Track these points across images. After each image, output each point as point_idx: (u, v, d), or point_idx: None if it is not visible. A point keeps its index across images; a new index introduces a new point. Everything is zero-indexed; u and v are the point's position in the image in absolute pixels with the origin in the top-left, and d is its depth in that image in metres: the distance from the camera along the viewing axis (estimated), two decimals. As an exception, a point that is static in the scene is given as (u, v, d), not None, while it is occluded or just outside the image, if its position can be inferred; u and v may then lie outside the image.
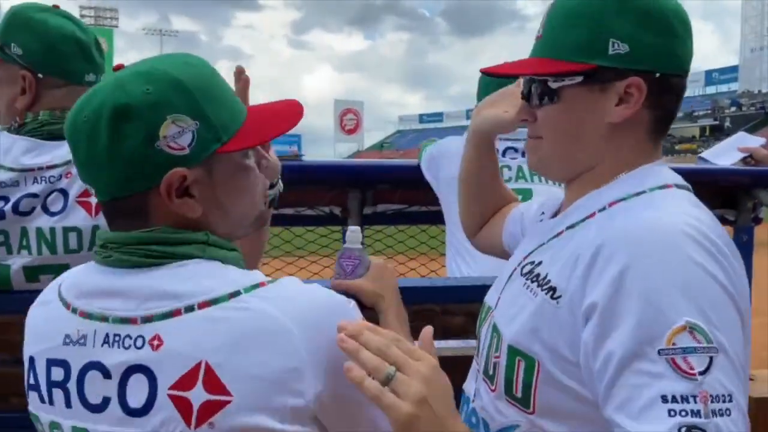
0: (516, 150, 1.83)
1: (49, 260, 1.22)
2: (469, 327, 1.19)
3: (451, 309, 1.34)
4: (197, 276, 0.74)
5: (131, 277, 0.74)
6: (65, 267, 0.99)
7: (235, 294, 0.72)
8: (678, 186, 0.83)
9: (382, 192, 2.12)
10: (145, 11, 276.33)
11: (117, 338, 0.72)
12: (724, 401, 0.65)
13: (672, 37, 0.82)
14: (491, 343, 0.88)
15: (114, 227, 0.79)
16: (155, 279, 0.74)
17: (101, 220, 1.15)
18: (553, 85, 0.84)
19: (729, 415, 0.65)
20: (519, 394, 0.81)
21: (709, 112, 49.39)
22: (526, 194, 1.75)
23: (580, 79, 0.82)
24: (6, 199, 1.23)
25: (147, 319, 0.72)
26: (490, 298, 0.96)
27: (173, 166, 0.74)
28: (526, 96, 0.89)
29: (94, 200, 1.21)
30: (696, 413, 0.64)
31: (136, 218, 0.77)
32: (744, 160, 2.12)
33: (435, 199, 2.00)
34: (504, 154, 1.85)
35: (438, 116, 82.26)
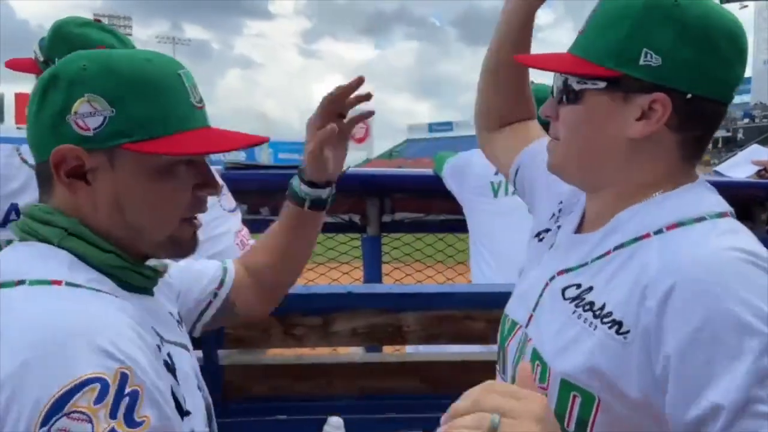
0: None
1: None
2: (489, 333, 1.17)
3: (473, 315, 1.36)
4: (16, 257, 0.77)
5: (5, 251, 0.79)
6: None
7: (22, 282, 0.72)
8: (732, 214, 0.79)
9: (400, 200, 2.18)
10: (158, 19, 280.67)
11: None
12: None
13: (715, 59, 0.76)
14: (532, 369, 0.79)
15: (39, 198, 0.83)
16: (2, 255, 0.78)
17: None
18: (576, 86, 0.80)
19: None
20: (571, 429, 0.77)
21: (722, 123, 50.21)
22: None
23: (603, 84, 0.78)
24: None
25: None
26: (516, 313, 0.91)
27: (73, 143, 0.76)
28: (553, 91, 0.85)
29: None
30: None
31: (43, 189, 0.81)
32: (758, 173, 2.17)
33: (452, 209, 2.06)
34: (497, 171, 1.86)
35: (448, 125, 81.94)
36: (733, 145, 41.65)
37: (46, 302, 0.70)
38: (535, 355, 0.82)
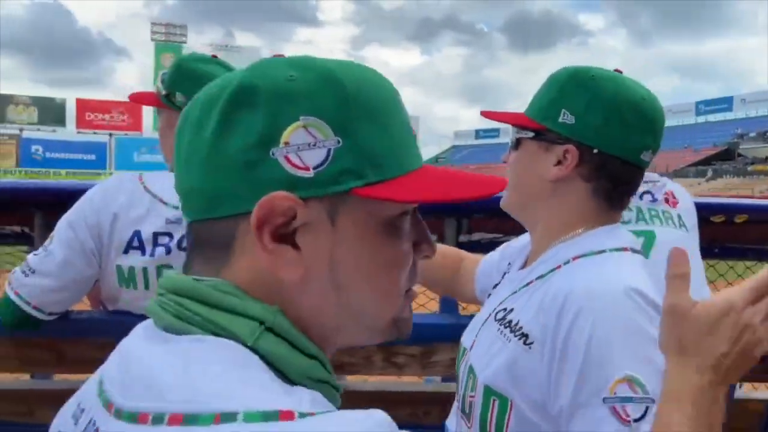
0: (651, 193, 1.75)
1: None
2: None
3: None
4: (202, 366, 0.44)
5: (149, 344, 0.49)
6: None
7: (228, 418, 0.40)
8: (633, 250, 0.93)
9: (478, 220, 2.09)
10: (210, 27, 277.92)
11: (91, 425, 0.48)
12: None
13: (619, 126, 0.92)
14: (467, 384, 0.96)
15: (186, 267, 0.53)
16: (155, 355, 0.47)
17: None
18: (516, 135, 1.00)
19: None
20: None
21: None
22: (649, 236, 1.70)
23: (531, 134, 0.97)
24: (171, 236, 1.28)
25: (118, 414, 0.45)
26: (466, 340, 1.05)
27: (283, 189, 0.48)
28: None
29: None
30: None
31: (208, 255, 0.51)
32: None
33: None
34: (641, 197, 1.75)
35: (495, 132, 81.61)
36: None
37: None
38: (470, 370, 0.96)
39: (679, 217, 1.74)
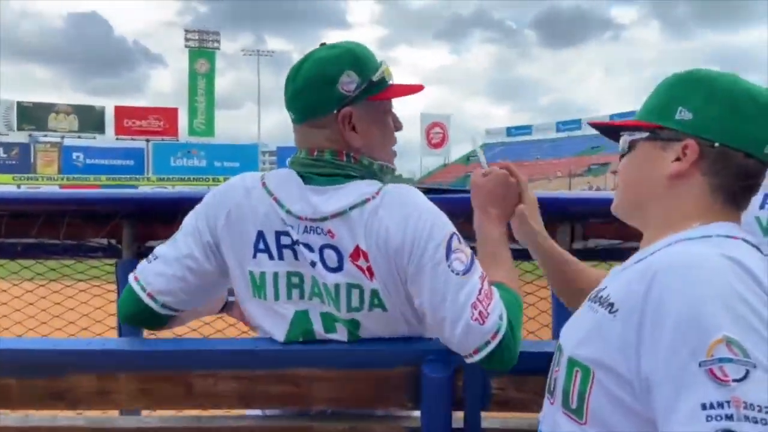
0: None
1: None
2: None
3: None
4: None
5: None
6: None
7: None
8: (747, 241, 0.88)
9: (593, 225, 1.99)
10: (242, 33, 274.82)
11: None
12: (759, 411, 0.69)
13: (739, 117, 0.91)
14: (554, 361, 0.96)
15: None
16: None
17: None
18: (628, 138, 0.99)
19: (764, 424, 0.68)
20: (574, 405, 0.87)
21: None
22: None
23: (645, 134, 0.97)
24: (290, 238, 1.18)
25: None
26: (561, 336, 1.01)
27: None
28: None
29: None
30: (729, 417, 0.69)
31: None
32: None
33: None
34: (762, 206, 1.56)
35: (527, 129, 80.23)
36: None
37: None
38: (558, 348, 0.95)
39: None
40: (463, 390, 1.15)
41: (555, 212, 1.97)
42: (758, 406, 0.69)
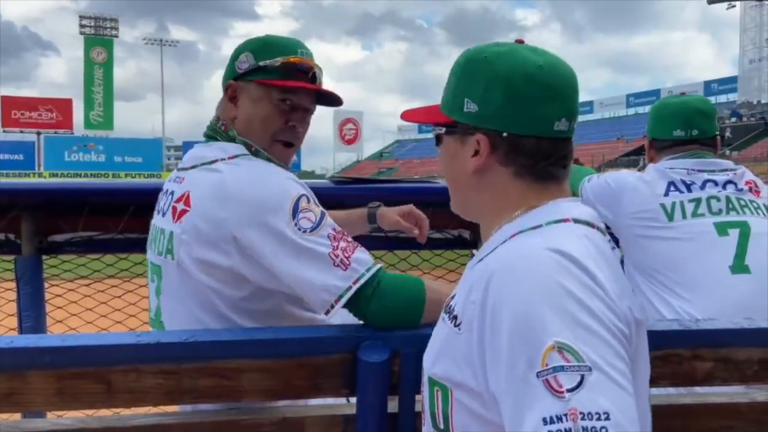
0: (716, 183, 1.73)
1: None
2: (716, 373, 1.14)
3: (702, 354, 1.16)
4: None
5: None
6: None
7: None
8: (576, 220, 0.86)
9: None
10: (144, 21, 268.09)
11: None
12: (598, 419, 0.65)
13: (519, 102, 0.87)
14: (421, 381, 0.91)
15: None
16: None
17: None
18: (435, 132, 0.97)
19: None
20: (441, 425, 0.84)
21: None
22: (743, 227, 1.64)
23: (443, 129, 0.95)
24: None
25: None
26: None
27: None
28: None
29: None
30: (568, 431, 0.65)
31: None
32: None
33: None
34: (703, 186, 1.73)
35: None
36: (720, 144, 47.98)
37: None
38: (422, 367, 0.91)
39: (765, 207, 1.72)
40: (399, 374, 1.15)
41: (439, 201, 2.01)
42: (596, 413, 0.66)
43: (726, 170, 1.78)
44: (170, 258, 1.24)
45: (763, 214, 1.71)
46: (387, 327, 1.16)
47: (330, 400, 1.24)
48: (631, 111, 65.84)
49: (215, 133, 1.34)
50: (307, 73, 1.33)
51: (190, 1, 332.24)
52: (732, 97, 53.39)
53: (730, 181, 1.75)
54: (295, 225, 1.15)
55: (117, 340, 1.10)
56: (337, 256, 1.15)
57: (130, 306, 2.13)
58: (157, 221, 1.33)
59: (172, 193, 1.29)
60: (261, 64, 1.31)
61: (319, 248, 1.15)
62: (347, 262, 1.15)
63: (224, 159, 1.25)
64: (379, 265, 1.18)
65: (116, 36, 55.53)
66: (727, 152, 39.04)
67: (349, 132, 60.77)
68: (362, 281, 1.15)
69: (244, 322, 1.23)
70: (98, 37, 53.03)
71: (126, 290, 2.14)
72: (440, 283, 1.31)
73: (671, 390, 1.25)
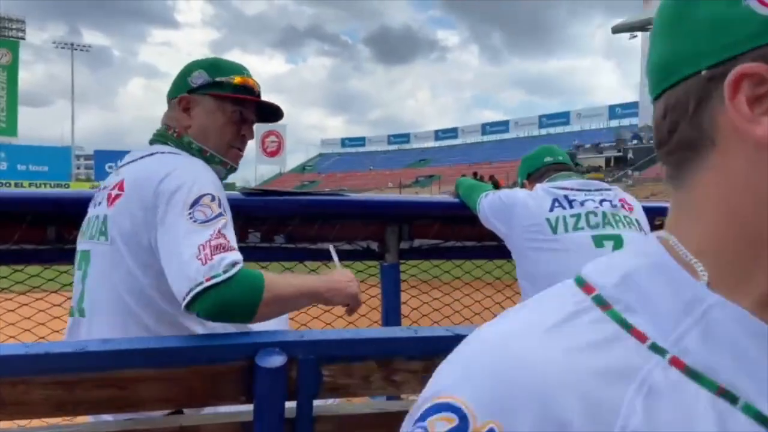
0: (594, 200, 1.88)
1: None
2: None
3: None
4: None
5: None
6: None
7: None
8: None
9: (419, 227, 2.10)
10: (53, 23, 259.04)
11: None
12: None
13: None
14: None
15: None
16: None
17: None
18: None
19: None
20: None
21: (613, 144, 51.00)
22: (617, 239, 1.79)
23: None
24: None
25: None
26: None
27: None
28: None
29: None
30: None
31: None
32: None
33: (470, 235, 2.05)
34: (583, 203, 1.87)
35: (360, 141, 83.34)
36: (624, 165, 44.57)
37: None
38: None
39: (637, 221, 1.91)
40: (297, 380, 1.18)
41: (386, 214, 2.13)
42: None
43: (601, 190, 1.98)
44: (103, 239, 1.34)
45: (636, 227, 1.89)
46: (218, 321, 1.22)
47: (230, 408, 1.25)
48: (544, 131, 68.45)
49: (166, 139, 1.47)
50: (253, 91, 1.54)
51: (104, 6, 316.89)
52: (634, 120, 56.19)
53: (605, 199, 1.93)
54: (189, 214, 1.24)
55: (4, 351, 1.08)
56: (203, 250, 1.19)
57: (24, 320, 2.08)
58: (91, 212, 1.45)
59: (107, 186, 1.42)
60: (218, 79, 1.49)
61: (197, 237, 1.21)
62: (210, 258, 1.18)
63: (162, 153, 1.42)
64: (236, 269, 1.19)
65: (23, 38, 53.30)
66: (629, 172, 41.72)
67: (271, 144, 58.58)
68: (215, 280, 1.17)
69: (164, 304, 1.30)
70: (2, 39, 50.73)
71: (20, 303, 2.09)
72: (288, 276, 1.38)
73: None
